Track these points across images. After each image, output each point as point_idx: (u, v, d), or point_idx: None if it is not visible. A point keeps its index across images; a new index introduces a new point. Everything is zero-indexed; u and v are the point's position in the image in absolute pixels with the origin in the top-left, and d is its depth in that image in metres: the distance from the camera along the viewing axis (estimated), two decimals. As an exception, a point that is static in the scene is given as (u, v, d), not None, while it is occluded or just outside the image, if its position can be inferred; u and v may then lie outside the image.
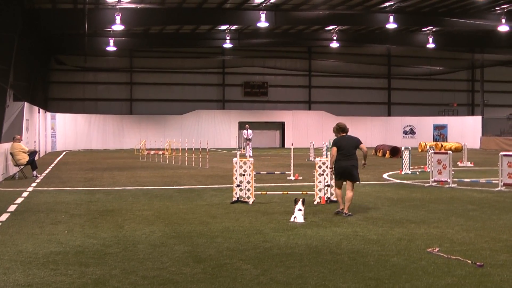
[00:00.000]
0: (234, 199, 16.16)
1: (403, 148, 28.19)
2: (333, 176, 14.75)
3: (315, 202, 15.83)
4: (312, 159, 34.46)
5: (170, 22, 45.83)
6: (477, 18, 44.59)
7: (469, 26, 46.94)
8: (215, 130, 60.32)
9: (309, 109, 64.86)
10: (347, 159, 14.21)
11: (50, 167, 31.08)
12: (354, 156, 14.35)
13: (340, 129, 14.53)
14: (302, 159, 36.43)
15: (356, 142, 14.35)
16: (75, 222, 13.06)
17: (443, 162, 20.90)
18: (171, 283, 8.11)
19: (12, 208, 15.32)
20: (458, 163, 32.08)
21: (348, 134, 14.63)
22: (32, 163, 24.97)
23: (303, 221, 12.98)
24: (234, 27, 50.69)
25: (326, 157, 16.81)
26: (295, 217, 13.08)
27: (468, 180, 22.24)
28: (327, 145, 33.95)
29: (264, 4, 41.76)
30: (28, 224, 12.77)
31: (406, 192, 19.09)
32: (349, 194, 14.15)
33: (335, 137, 14.66)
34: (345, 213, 13.93)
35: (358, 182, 14.63)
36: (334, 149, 14.32)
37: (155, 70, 61.01)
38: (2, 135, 28.98)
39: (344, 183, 14.47)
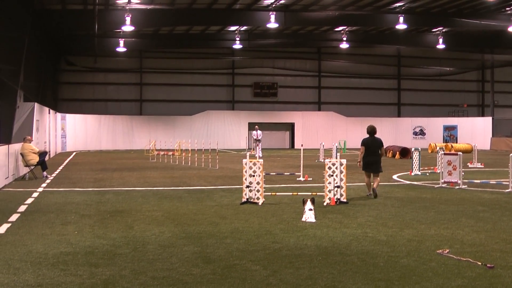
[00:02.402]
0: (244, 200, 16.16)
1: (413, 149, 28.12)
2: (361, 168, 18.49)
3: (325, 203, 15.81)
4: (322, 160, 34.43)
5: (180, 23, 45.94)
6: (487, 18, 44.50)
7: (479, 27, 46.87)
8: (224, 130, 60.35)
9: (319, 109, 64.83)
10: (372, 155, 18.16)
11: (60, 168, 31.17)
12: (378, 153, 18.24)
13: (372, 131, 18.39)
14: (312, 160, 36.38)
15: (380, 144, 18.34)
16: (85, 223, 13.09)
17: (453, 163, 20.83)
18: (181, 283, 8.11)
19: (22, 208, 15.37)
20: (468, 164, 31.98)
21: (375, 136, 18.40)
22: (42, 164, 25.06)
23: (314, 220, 13.00)
24: (244, 27, 50.76)
25: (336, 157, 16.80)
26: (307, 217, 13.10)
27: (478, 181, 22.17)
28: (336, 146, 33.95)
29: (273, 5, 41.78)
30: (38, 225, 12.80)
31: (416, 193, 19.05)
32: (376, 180, 18.15)
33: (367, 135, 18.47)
34: (374, 188, 17.93)
35: (381, 172, 18.42)
36: (363, 148, 18.25)
37: (165, 71, 61.10)
38: (12, 135, 29.09)
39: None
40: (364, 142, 18.31)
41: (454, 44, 55.72)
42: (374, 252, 9.98)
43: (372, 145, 18.24)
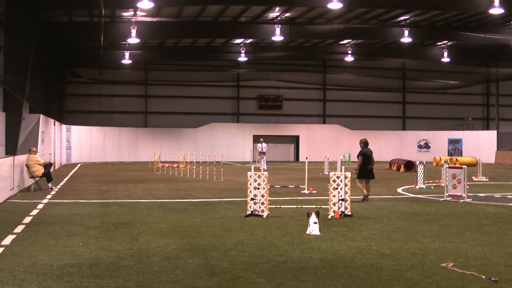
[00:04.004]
0: (248, 212, 16.15)
1: (417, 162, 28.11)
2: (357, 175, 20.89)
3: (329, 216, 15.80)
4: (327, 173, 34.42)
5: (185, 36, 46.05)
6: (492, 32, 44.58)
7: (484, 40, 46.94)
8: (229, 143, 60.33)
9: (324, 122, 64.84)
10: (370, 164, 20.91)
11: (65, 179, 31.21)
12: (372, 162, 21.07)
13: (366, 144, 21.27)
14: (317, 173, 36.40)
15: (372, 153, 21.18)
16: (89, 234, 13.11)
17: (458, 177, 20.82)
18: (185, 296, 8.13)
19: (27, 220, 15.40)
20: (473, 177, 31.93)
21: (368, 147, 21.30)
22: (47, 175, 25.09)
23: (319, 233, 13.01)
24: (249, 40, 50.87)
25: (341, 170, 16.83)
26: (311, 230, 13.11)
27: (483, 194, 22.13)
28: (341, 159, 33.96)
29: (279, 18, 41.94)
30: (43, 236, 12.83)
31: (421, 207, 19.03)
32: (369, 187, 20.94)
33: (361, 148, 21.17)
34: (367, 194, 20.58)
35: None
36: (361, 157, 20.81)
37: (170, 83, 61.22)
38: (18, 147, 29.14)
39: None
40: (364, 153, 20.97)
41: (459, 57, 55.81)
42: (379, 265, 9.99)
43: (369, 156, 21.01)
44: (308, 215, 13.50)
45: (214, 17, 42.38)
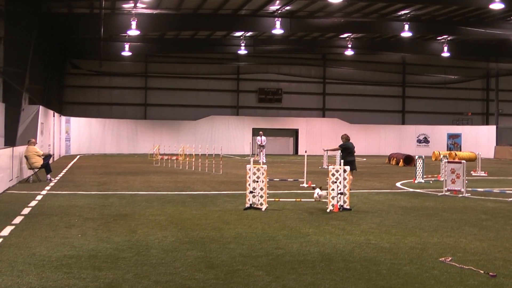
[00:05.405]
0: (247, 205, 16.16)
1: (416, 157, 28.12)
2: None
3: (328, 210, 15.79)
4: (326, 167, 34.43)
5: (185, 28, 46.04)
6: (492, 27, 44.56)
7: (484, 35, 46.95)
8: (229, 136, 60.32)
9: (323, 116, 64.81)
10: (353, 156, 21.94)
11: (64, 171, 31.20)
12: (354, 155, 22.22)
13: (347, 138, 22.14)
14: (316, 167, 36.40)
15: (354, 147, 22.21)
16: (88, 226, 13.11)
17: (456, 171, 20.82)
18: (184, 288, 8.13)
19: (26, 211, 15.40)
20: (472, 172, 31.93)
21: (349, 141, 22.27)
22: (46, 167, 25.08)
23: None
24: (249, 33, 50.83)
25: (340, 164, 16.82)
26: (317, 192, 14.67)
27: (481, 189, 22.11)
28: (340, 153, 33.94)
29: (279, 11, 41.88)
30: (41, 227, 12.83)
31: (419, 201, 19.04)
32: (351, 177, 20.74)
33: (342, 142, 22.11)
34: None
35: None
36: (340, 149, 22.28)
37: (170, 76, 61.18)
38: (17, 138, 29.15)
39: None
40: (344, 145, 22.01)
41: (459, 52, 55.81)
42: (377, 259, 9.99)
43: (351, 148, 21.93)
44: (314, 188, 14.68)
45: (214, 9, 42.34)
